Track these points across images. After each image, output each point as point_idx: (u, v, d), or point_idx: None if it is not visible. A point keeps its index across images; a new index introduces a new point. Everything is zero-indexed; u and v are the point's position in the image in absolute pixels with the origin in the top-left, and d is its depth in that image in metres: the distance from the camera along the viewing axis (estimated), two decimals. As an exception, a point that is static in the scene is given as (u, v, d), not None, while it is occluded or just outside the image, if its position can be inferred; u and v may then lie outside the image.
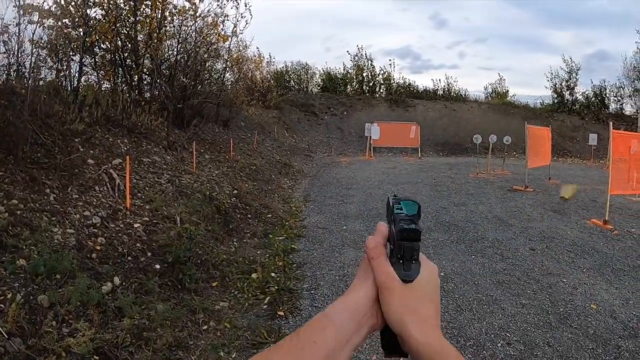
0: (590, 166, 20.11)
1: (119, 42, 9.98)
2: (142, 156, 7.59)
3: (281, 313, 4.31)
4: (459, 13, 54.81)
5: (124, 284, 3.97)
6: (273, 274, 5.21)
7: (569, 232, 8.23)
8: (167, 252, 4.79)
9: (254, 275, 5.07)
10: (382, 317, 0.69)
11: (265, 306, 4.46)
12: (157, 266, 4.48)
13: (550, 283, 5.74)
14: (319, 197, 10.12)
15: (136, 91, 10.55)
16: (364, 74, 27.75)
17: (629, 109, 28.14)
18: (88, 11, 8.85)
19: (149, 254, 4.67)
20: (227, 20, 11.68)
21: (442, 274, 5.79)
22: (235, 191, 8.30)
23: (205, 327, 3.87)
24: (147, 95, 10.82)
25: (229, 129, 14.31)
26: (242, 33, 12.17)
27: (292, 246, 6.47)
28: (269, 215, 7.91)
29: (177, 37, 10.94)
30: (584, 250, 7.25)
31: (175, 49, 11.01)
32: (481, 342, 4.16)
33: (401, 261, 0.69)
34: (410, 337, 0.66)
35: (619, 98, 28.34)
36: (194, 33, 11.23)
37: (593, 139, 20.28)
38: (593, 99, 28.40)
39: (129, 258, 4.43)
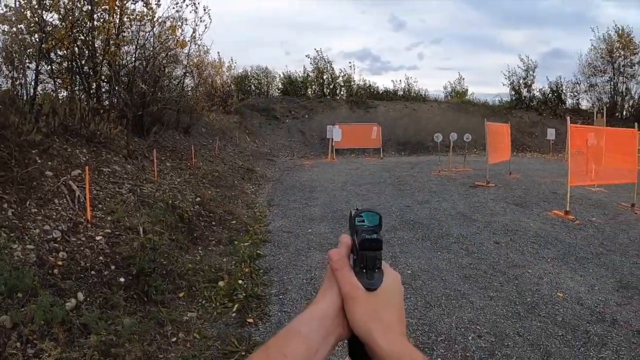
0: (549, 160, 20.79)
1: (76, 49, 9.68)
2: (102, 166, 7.40)
3: (250, 320, 4.29)
4: (416, 15, 55.88)
5: (88, 299, 3.86)
6: (240, 281, 5.17)
7: (532, 224, 8.48)
8: (131, 264, 4.68)
9: (221, 283, 5.03)
10: (349, 327, 0.71)
11: (234, 314, 4.43)
12: (122, 279, 4.38)
13: (516, 274, 5.91)
14: (282, 201, 10.12)
15: (94, 99, 10.24)
16: (324, 77, 27.86)
17: (585, 104, 29.44)
18: (44, 16, 8.57)
19: (113, 266, 4.56)
20: (186, 24, 11.53)
21: (409, 271, 5.91)
22: (198, 199, 8.20)
23: (175, 339, 3.82)
24: (106, 103, 10.51)
25: (189, 135, 14.09)
26: (201, 38, 12.02)
27: (258, 252, 6.45)
28: (234, 222, 7.86)
29: (135, 42, 10.71)
30: (547, 240, 7.49)
31: (134, 55, 10.76)
32: (452, 337, 4.24)
33: (364, 270, 0.71)
34: (376, 345, 0.68)
35: (575, 93, 29.71)
36: (152, 38, 11.01)
37: (551, 133, 20.94)
38: (550, 95, 29.61)
39: (92, 272, 4.31)
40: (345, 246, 0.76)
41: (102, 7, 9.87)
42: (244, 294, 4.80)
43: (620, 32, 27.23)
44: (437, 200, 10.49)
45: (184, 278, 4.94)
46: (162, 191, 7.73)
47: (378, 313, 0.70)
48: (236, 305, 4.55)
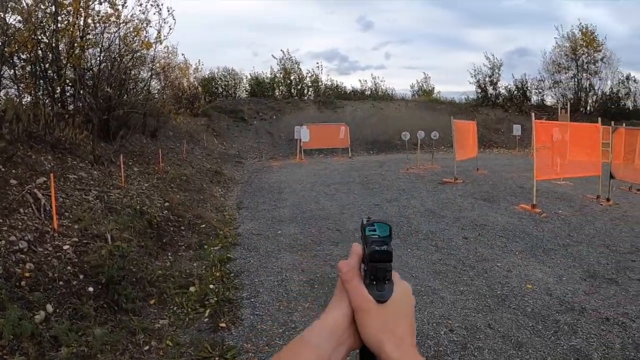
0: (515, 155, 21.29)
1: (40, 52, 9.43)
2: (68, 173, 7.27)
3: (223, 325, 4.30)
4: (384, 15, 56.22)
5: (57, 311, 3.81)
6: (211, 286, 5.18)
7: (500, 219, 8.70)
8: (99, 272, 4.62)
9: (192, 289, 5.02)
10: (360, 338, 0.70)
11: (207, 319, 4.43)
12: (91, 289, 4.33)
13: (485, 268, 6.06)
14: (252, 204, 10.10)
15: (59, 104, 9.98)
16: (292, 78, 27.80)
17: (549, 100, 30.27)
18: (7, 18, 8.32)
19: (81, 276, 4.50)
20: (150, 26, 11.36)
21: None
22: (166, 203, 8.13)
23: (147, 347, 3.80)
24: (71, 107, 10.26)
25: (157, 139, 13.90)
26: (166, 39, 11.82)
27: (228, 255, 6.44)
28: (203, 226, 7.81)
29: (100, 45, 10.49)
30: (515, 234, 7.70)
31: (99, 58, 10.53)
32: (424, 332, 4.33)
33: (374, 282, 0.71)
34: (387, 356, 0.67)
35: (540, 90, 30.53)
36: (117, 40, 10.82)
37: (517, 129, 21.40)
38: (515, 92, 30.24)
39: (61, 283, 4.24)
40: (355, 255, 0.76)
41: (67, 9, 9.60)
42: (215, 299, 4.81)
43: (584, 30, 28.14)
44: (405, 197, 10.64)
45: (154, 285, 4.91)
46: (129, 197, 7.64)
47: (389, 325, 0.69)
48: (208, 310, 4.55)
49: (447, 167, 14.91)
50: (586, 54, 28.17)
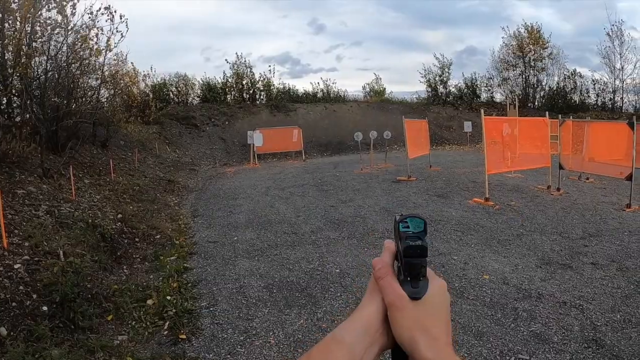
0: (467, 151, 21.88)
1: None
2: (16, 188, 7.01)
3: (183, 336, 4.26)
4: (336, 18, 56.42)
5: (11, 333, 3.68)
6: (169, 297, 5.09)
7: (454, 213, 8.93)
8: (53, 290, 4.49)
9: (149, 302, 4.95)
10: (393, 336, 0.68)
11: (166, 332, 4.37)
12: (45, 308, 4.20)
13: (442, 262, 6.23)
14: (207, 211, 10.00)
15: (5, 115, 9.60)
16: (244, 82, 27.53)
17: (499, 97, 31.40)
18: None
19: (35, 295, 4.36)
20: (102, 33, 11.03)
21: (337, 270, 6.06)
22: (119, 215, 7.95)
23: (106, 365, 3.74)
24: (18, 119, 9.87)
25: (107, 149, 13.51)
26: (116, 46, 11.53)
27: (185, 265, 6.37)
28: (158, 236, 7.69)
29: (47, 52, 10.10)
30: (470, 227, 7.94)
31: (46, 66, 10.13)
32: None
33: (409, 279, 0.69)
34: (421, 356, 0.64)
35: (490, 88, 31.72)
36: (65, 47, 10.45)
37: (468, 126, 22.01)
38: (465, 90, 31.17)
39: (14, 304, 4.09)
40: (388, 252, 0.74)
41: (14, 14, 9.12)
42: (174, 310, 4.75)
43: (530, 29, 29.35)
44: (360, 198, 10.77)
45: (110, 300, 4.80)
46: (81, 210, 7.44)
47: (423, 323, 0.66)
48: (167, 323, 4.50)
49: (401, 165, 15.19)
50: (533, 52, 29.40)
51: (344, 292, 5.34)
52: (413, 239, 0.69)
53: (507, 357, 3.86)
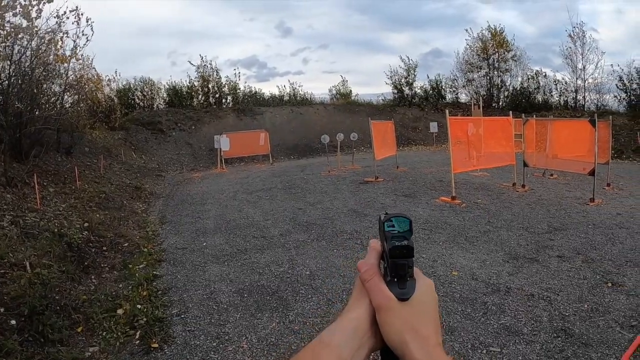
0: (433, 151, 22.18)
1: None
2: (-23, 199, 6.79)
3: (155, 345, 4.20)
4: (303, 21, 56.35)
5: (-21, 349, 3.59)
6: (139, 306, 5.02)
7: (422, 212, 9.06)
8: (21, 303, 4.36)
9: (119, 311, 4.86)
10: (381, 338, 0.67)
11: (138, 341, 4.30)
12: (13, 322, 4.07)
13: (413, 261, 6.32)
14: (175, 217, 9.86)
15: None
16: (210, 86, 27.18)
17: (464, 98, 31.86)
18: None
19: (2, 309, 4.23)
20: (67, 37, 10.70)
21: (307, 272, 6.08)
22: (86, 224, 7.77)
23: (78, 377, 3.67)
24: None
25: (72, 156, 13.09)
26: (81, 50, 11.20)
27: (154, 272, 6.27)
28: (126, 244, 7.55)
29: (10, 58, 9.75)
30: (438, 225, 8.07)
31: (9, 71, 9.77)
32: None
33: (395, 279, 0.67)
34: (411, 357, 0.63)
35: (454, 89, 32.15)
36: (29, 52, 10.11)
37: (434, 126, 22.33)
38: (431, 91, 31.53)
39: (-20, 319, 3.99)
40: (374, 252, 0.73)
41: None
42: (145, 319, 4.69)
43: (493, 31, 30.01)
44: (328, 199, 10.82)
45: (79, 311, 4.70)
46: (46, 219, 7.25)
47: (413, 324, 0.65)
48: (138, 332, 4.42)
49: (368, 166, 15.32)
50: (497, 54, 30.07)
51: (314, 294, 5.38)
52: (399, 239, 0.68)
53: (479, 351, 3.94)
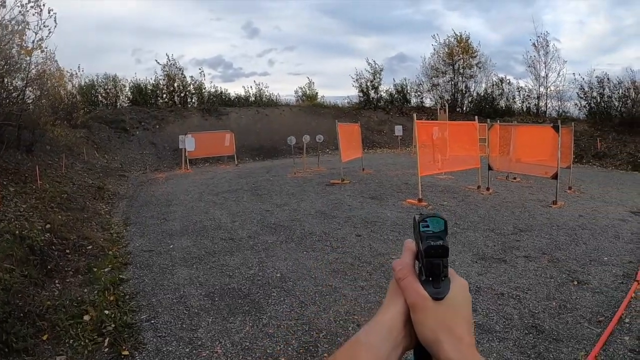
0: (398, 154, 22.45)
1: None
2: None
3: (126, 352, 4.03)
4: (271, 22, 55.92)
5: (-63, 361, 3.35)
6: (107, 311, 4.82)
7: (389, 214, 9.10)
8: (-19, 310, 4.14)
9: (86, 317, 4.64)
10: (416, 337, 0.67)
11: (107, 349, 4.12)
12: (-27, 330, 3.85)
13: (381, 262, 6.32)
14: (139, 219, 9.57)
15: None
16: (175, 85, 26.57)
17: (428, 102, 32.40)
18: None
19: (-40, 317, 4.00)
20: (28, 29, 10.16)
21: (278, 274, 6.02)
22: (48, 225, 7.42)
23: (44, 388, 3.47)
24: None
25: (33, 154, 12.48)
26: (42, 42, 10.65)
27: (121, 276, 6.06)
28: (90, 247, 7.25)
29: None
30: (405, 227, 8.11)
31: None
32: (333, 331, 4.43)
33: (430, 279, 0.67)
34: (446, 357, 0.63)
35: (420, 93, 32.58)
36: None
37: (399, 130, 22.55)
38: (396, 95, 31.91)
39: (-63, 328, 3.73)
40: (409, 252, 0.72)
41: None
42: (113, 325, 4.50)
43: (459, 38, 30.58)
44: (295, 201, 10.76)
45: (44, 318, 4.46)
46: (7, 221, 6.88)
47: (447, 323, 0.65)
48: (107, 339, 4.24)
49: (334, 168, 15.35)
50: (462, 60, 30.66)
51: (287, 297, 5.32)
52: (434, 239, 0.68)
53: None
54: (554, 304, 4.99)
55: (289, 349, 4.13)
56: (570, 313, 4.74)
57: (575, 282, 5.61)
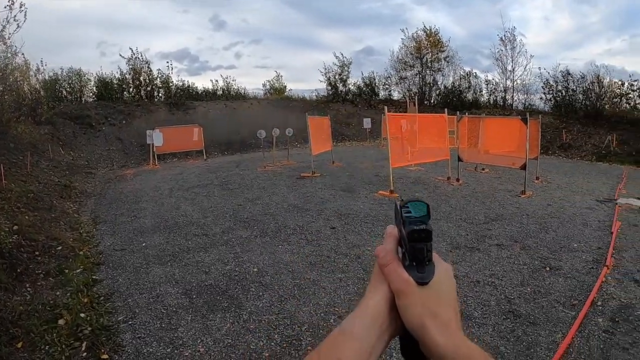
0: (367, 147, 22.52)
1: None
2: None
3: (105, 356, 3.88)
4: (238, 15, 54.75)
5: None
6: (82, 314, 4.63)
7: (362, 206, 9.10)
8: (-51, 319, 3.90)
9: (61, 322, 4.44)
10: (402, 323, 0.65)
11: (85, 353, 3.95)
12: (-58, 341, 3.63)
13: (357, 254, 6.32)
14: (109, 217, 9.26)
15: None
16: (141, 78, 25.79)
17: (396, 95, 32.68)
18: None
19: None
20: None
21: (255, 269, 5.95)
22: (15, 227, 7.08)
23: (22, 398, 3.30)
24: None
25: (-5, 153, 11.97)
26: (9, 38, 10.13)
27: (94, 277, 5.84)
28: (60, 248, 6.95)
29: None
30: (379, 219, 8.13)
31: None
32: (315, 323, 4.40)
33: (414, 264, 0.66)
34: (433, 342, 0.61)
35: (388, 86, 32.75)
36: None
37: (367, 122, 22.56)
38: (364, 88, 31.95)
39: None
40: (391, 238, 0.70)
41: None
42: (89, 328, 4.33)
43: (428, 32, 30.87)
44: (267, 195, 10.64)
45: (17, 325, 4.24)
46: (-30, 224, 6.55)
47: (432, 308, 0.64)
48: (84, 343, 4.06)
49: (303, 162, 15.27)
50: (430, 53, 30.98)
51: (265, 291, 5.25)
52: (417, 223, 0.66)
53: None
54: (529, 289, 5.10)
55: (272, 344, 4.08)
56: (544, 298, 4.86)
57: (548, 268, 5.76)
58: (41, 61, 21.65)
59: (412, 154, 11.64)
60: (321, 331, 4.25)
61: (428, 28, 31.10)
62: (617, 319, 4.40)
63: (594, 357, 3.76)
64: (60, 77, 24.21)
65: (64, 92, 24.42)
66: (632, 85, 22.48)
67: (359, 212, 8.73)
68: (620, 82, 22.90)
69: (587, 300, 4.77)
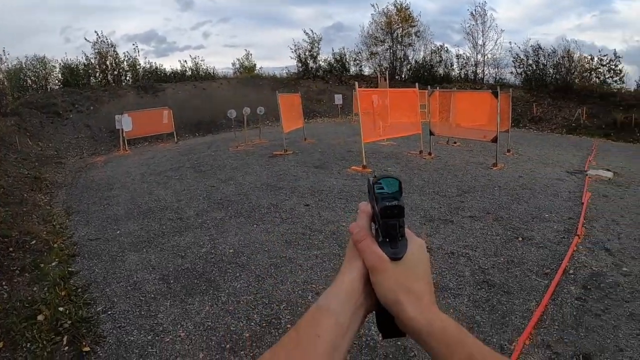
0: (339, 123, 22.49)
1: None
2: None
3: (87, 348, 3.90)
4: None
5: None
6: (61, 308, 4.62)
7: (335, 182, 9.16)
8: None
9: (40, 317, 4.43)
10: (376, 299, 0.66)
11: (67, 347, 3.96)
12: None
13: (332, 230, 6.41)
14: (81, 207, 9.12)
15: None
16: (108, 62, 25.02)
17: (367, 70, 32.42)
18: None
19: None
20: None
21: (231, 250, 5.99)
22: (-14, 224, 6.98)
23: (6, 397, 3.32)
24: None
25: (-41, 148, 11.56)
26: None
27: (70, 269, 5.79)
28: (33, 242, 6.84)
29: None
30: (352, 194, 8.20)
31: None
32: (293, 301, 4.49)
33: (387, 240, 0.67)
34: (407, 317, 0.63)
35: (358, 62, 32.45)
36: None
37: (338, 99, 22.40)
38: (335, 64, 31.63)
39: None
40: (365, 214, 0.71)
41: None
42: (69, 322, 4.33)
43: (399, 7, 30.60)
44: (240, 175, 10.61)
45: (-4, 324, 4.24)
46: (-62, 225, 6.40)
47: (406, 283, 0.65)
48: (65, 337, 4.07)
49: (275, 140, 15.22)
50: (401, 28, 30.74)
51: (242, 272, 5.32)
52: (389, 200, 0.67)
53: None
54: (502, 259, 5.28)
55: (252, 324, 4.17)
56: (518, 267, 5.05)
57: (520, 239, 5.95)
58: (3, 51, 20.80)
59: (383, 128, 11.70)
60: (299, 309, 4.35)
61: (399, 3, 30.89)
62: (589, 287, 4.60)
63: (568, 324, 3.93)
64: (24, 66, 23.26)
65: (29, 81, 23.44)
66: (601, 60, 22.87)
67: (333, 188, 8.80)
68: (590, 57, 23.31)
69: (560, 268, 4.96)
